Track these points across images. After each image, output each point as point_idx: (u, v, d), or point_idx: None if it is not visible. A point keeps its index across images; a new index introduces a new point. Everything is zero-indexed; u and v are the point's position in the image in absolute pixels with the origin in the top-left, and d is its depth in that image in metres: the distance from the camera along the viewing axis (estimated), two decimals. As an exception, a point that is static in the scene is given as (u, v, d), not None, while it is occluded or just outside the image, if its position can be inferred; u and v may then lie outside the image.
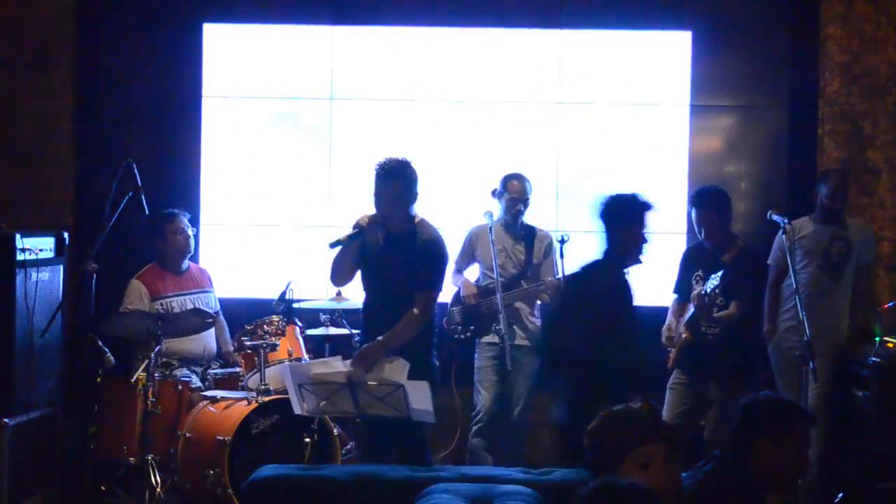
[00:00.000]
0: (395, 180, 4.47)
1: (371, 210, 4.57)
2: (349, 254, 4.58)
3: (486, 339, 5.55)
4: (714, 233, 5.26)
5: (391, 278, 4.54)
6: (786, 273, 5.29)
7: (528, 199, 5.64)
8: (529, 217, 5.72)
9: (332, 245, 4.58)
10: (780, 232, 5.23)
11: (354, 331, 5.46)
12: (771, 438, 3.11)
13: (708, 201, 5.28)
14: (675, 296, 5.43)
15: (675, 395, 5.26)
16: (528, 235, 5.66)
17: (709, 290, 4.97)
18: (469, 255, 5.74)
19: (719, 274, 4.97)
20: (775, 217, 5.22)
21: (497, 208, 5.67)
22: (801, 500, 5.15)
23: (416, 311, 4.45)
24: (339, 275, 4.69)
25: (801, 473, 3.36)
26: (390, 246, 4.56)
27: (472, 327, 5.59)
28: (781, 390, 5.36)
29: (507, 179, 5.65)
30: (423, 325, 4.50)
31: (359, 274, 4.71)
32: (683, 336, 5.18)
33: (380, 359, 4.38)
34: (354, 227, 4.52)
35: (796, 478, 3.36)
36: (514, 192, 5.61)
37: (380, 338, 4.46)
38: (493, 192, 5.69)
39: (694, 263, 5.31)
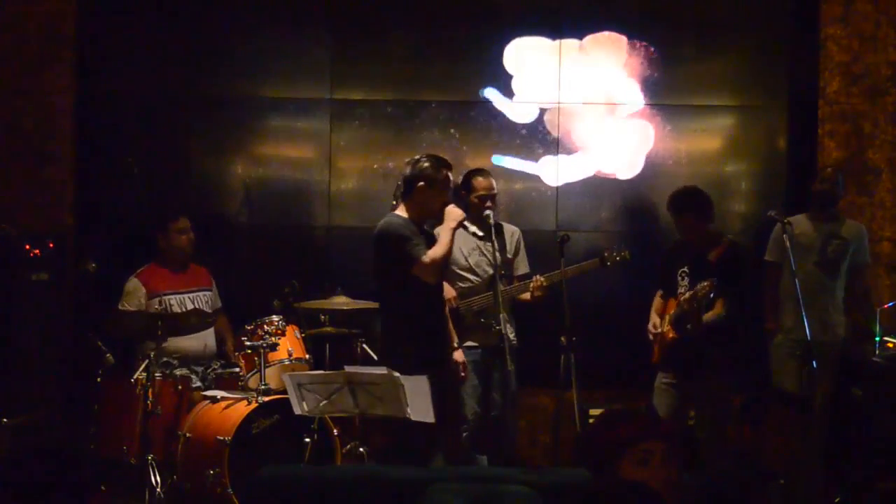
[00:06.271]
0: None
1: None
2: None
3: (465, 343, 5.28)
4: (695, 235, 5.25)
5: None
6: (785, 269, 5.25)
7: (496, 194, 5.38)
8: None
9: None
10: (778, 226, 5.21)
11: (354, 331, 5.45)
12: None
13: (683, 205, 5.24)
14: (660, 292, 5.42)
15: (663, 395, 5.24)
16: (496, 232, 5.28)
17: (700, 296, 4.96)
18: None
19: (709, 281, 4.96)
20: (774, 217, 5.21)
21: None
22: (801, 498, 5.16)
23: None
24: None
25: None
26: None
27: None
28: (783, 389, 5.35)
29: (472, 175, 5.41)
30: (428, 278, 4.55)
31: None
32: (669, 336, 5.16)
33: None
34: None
35: None
36: (480, 188, 5.34)
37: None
38: (458, 193, 5.35)
39: (678, 260, 5.29)
